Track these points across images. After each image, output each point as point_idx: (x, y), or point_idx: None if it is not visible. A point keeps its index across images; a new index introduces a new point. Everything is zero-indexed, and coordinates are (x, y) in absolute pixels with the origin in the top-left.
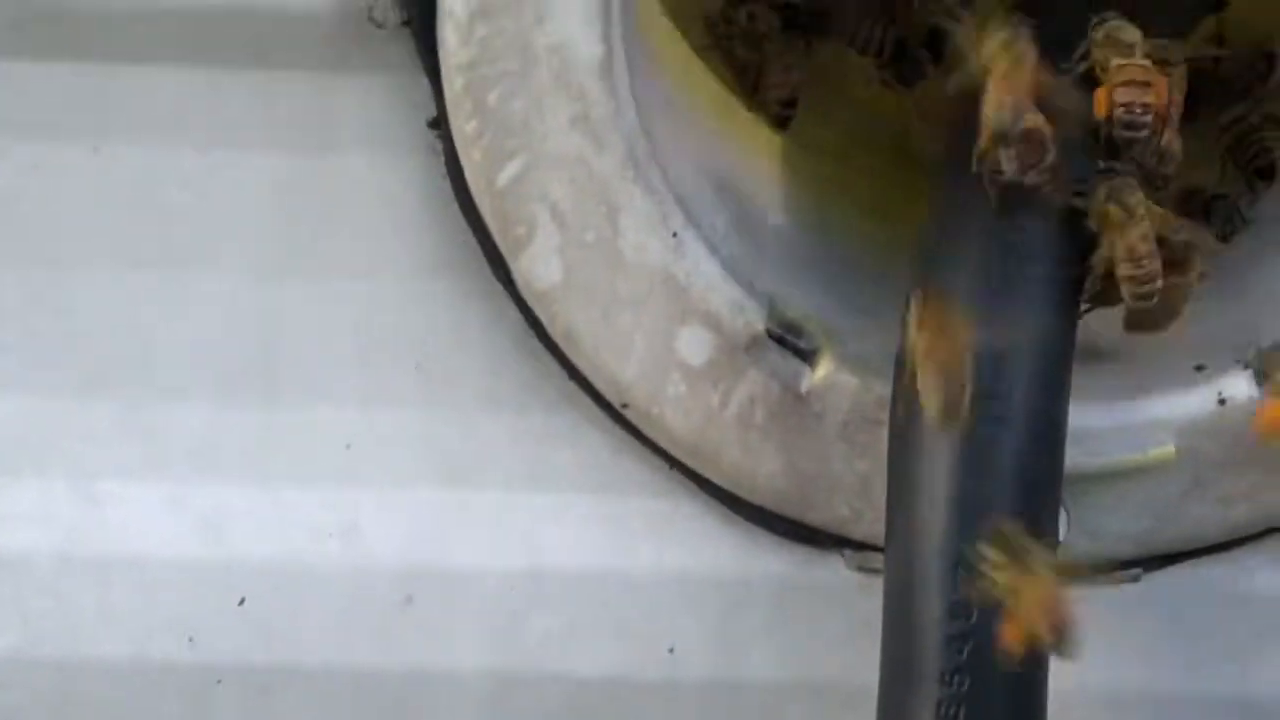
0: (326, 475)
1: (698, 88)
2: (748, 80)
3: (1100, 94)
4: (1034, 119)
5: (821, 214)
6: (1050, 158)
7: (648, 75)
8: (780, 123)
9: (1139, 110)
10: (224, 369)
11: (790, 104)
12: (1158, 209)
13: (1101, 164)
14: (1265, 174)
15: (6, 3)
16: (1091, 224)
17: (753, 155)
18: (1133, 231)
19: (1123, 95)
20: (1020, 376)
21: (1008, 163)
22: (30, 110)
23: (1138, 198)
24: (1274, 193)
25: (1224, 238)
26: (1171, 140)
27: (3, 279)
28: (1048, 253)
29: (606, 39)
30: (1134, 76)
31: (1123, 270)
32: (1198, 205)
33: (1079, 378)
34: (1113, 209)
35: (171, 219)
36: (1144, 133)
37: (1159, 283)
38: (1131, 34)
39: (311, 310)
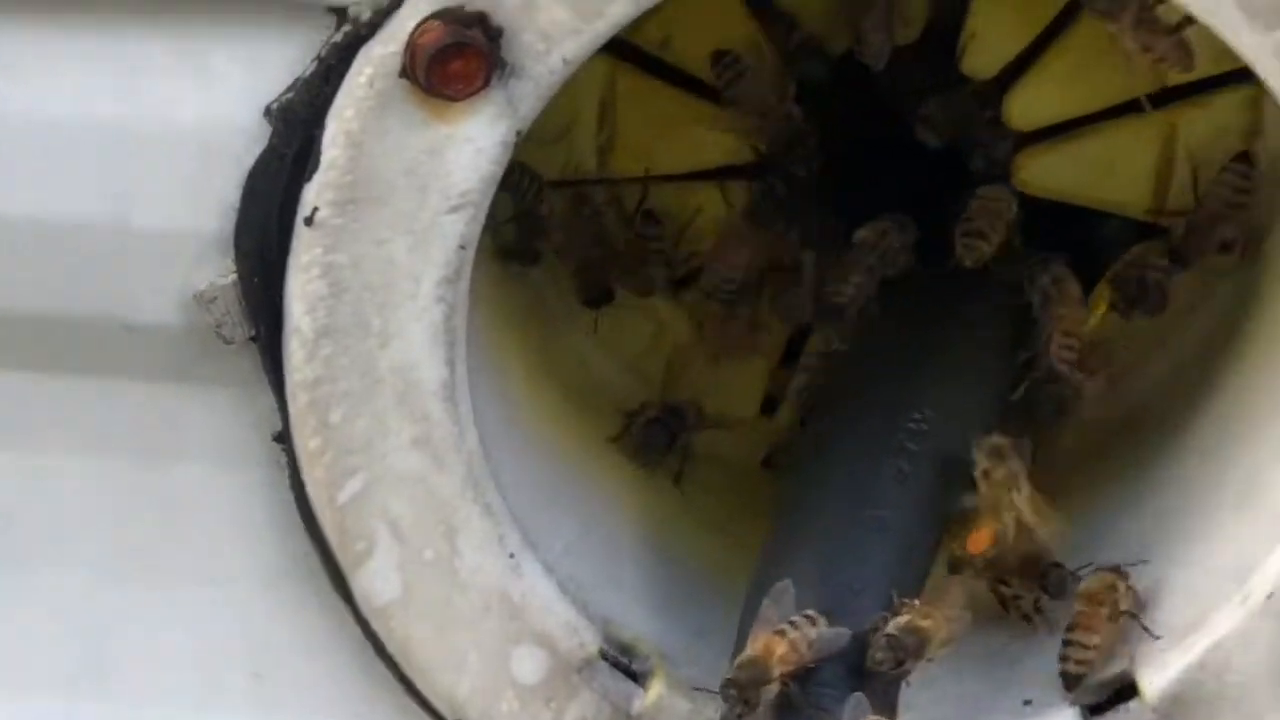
0: None
1: (540, 399)
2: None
3: None
4: None
5: (661, 532)
6: None
7: (491, 393)
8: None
9: None
10: (58, 670)
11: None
12: None
13: None
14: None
15: None
16: None
17: (594, 470)
18: None
19: None
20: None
21: None
22: None
23: None
24: None
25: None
26: None
27: None
28: None
29: (450, 362)
30: None
31: None
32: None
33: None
34: None
35: (10, 519)
36: None
37: None
38: None
39: (148, 614)
